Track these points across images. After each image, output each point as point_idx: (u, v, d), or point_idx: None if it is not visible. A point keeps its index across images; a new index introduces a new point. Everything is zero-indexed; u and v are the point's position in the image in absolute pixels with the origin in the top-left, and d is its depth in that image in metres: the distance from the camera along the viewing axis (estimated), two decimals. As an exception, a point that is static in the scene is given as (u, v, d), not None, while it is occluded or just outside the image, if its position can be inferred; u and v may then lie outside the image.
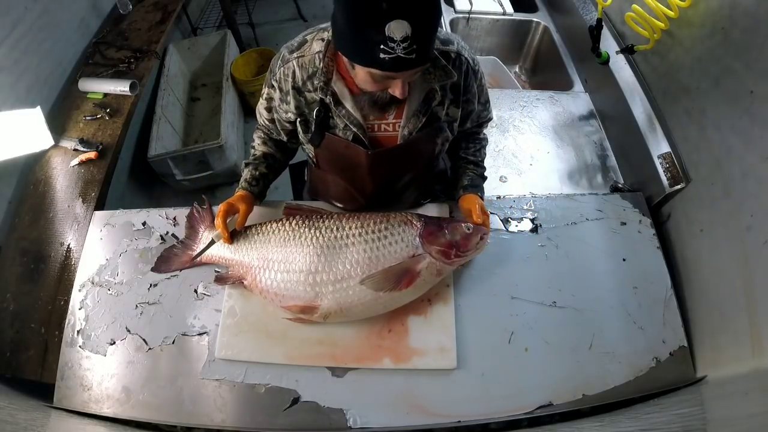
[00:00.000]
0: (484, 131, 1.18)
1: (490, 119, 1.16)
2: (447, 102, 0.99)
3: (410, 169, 1.10)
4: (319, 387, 0.97)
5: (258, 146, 1.15)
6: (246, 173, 1.12)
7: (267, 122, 1.09)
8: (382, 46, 0.70)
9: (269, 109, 1.05)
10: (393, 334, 1.00)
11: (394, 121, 0.98)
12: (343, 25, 0.75)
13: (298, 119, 1.00)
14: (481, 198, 1.10)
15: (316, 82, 0.93)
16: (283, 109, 1.00)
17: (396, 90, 0.82)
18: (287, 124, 1.04)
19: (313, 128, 0.99)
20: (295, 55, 0.94)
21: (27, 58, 1.55)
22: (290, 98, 0.97)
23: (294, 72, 0.94)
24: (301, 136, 1.04)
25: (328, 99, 0.93)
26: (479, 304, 1.05)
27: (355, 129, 0.95)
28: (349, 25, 0.73)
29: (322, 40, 0.92)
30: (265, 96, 1.04)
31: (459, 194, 1.11)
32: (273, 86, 0.99)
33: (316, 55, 0.92)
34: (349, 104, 0.94)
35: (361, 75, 0.81)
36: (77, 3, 1.90)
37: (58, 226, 1.31)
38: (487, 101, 1.11)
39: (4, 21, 1.46)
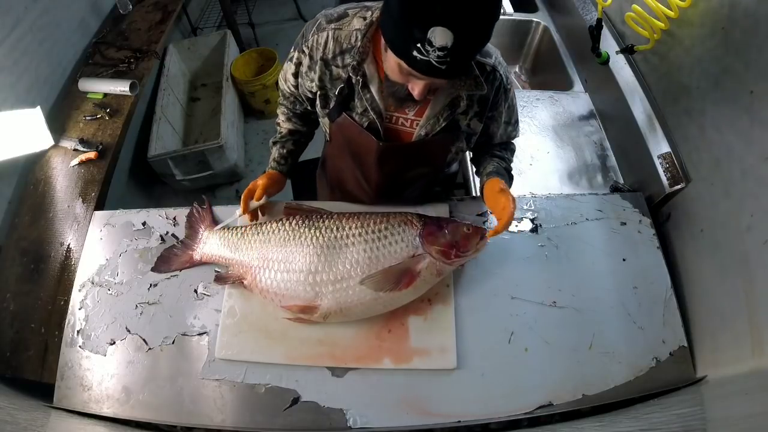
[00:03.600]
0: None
1: (516, 136, 1.15)
2: (471, 113, 0.98)
3: (419, 168, 1.09)
4: (319, 387, 0.97)
5: (283, 123, 1.16)
6: (274, 152, 1.15)
7: (292, 88, 1.07)
8: (419, 45, 0.70)
9: (296, 75, 1.02)
10: (393, 334, 1.00)
11: (413, 118, 0.97)
12: (394, 8, 0.72)
13: (319, 92, 0.99)
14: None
15: (347, 59, 0.91)
16: (309, 77, 0.99)
17: (415, 89, 0.81)
18: (309, 93, 1.03)
19: (332, 104, 0.98)
20: (332, 26, 0.92)
21: (27, 58, 1.55)
22: (317, 68, 0.95)
23: (327, 42, 0.93)
24: (318, 109, 1.03)
25: (357, 79, 0.92)
26: (479, 304, 1.05)
27: (373, 115, 0.94)
28: (400, 11, 0.71)
29: (364, 18, 0.90)
30: (294, 60, 1.00)
31: (483, 180, 1.07)
32: (304, 52, 0.97)
33: (355, 32, 0.90)
34: (375, 89, 0.93)
35: (391, 62, 0.80)
36: (77, 3, 1.90)
37: (58, 226, 1.31)
38: (517, 121, 1.10)
39: (4, 21, 1.46)
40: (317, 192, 1.43)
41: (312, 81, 0.99)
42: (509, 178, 1.10)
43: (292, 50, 1.01)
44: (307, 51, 0.96)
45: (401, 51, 0.74)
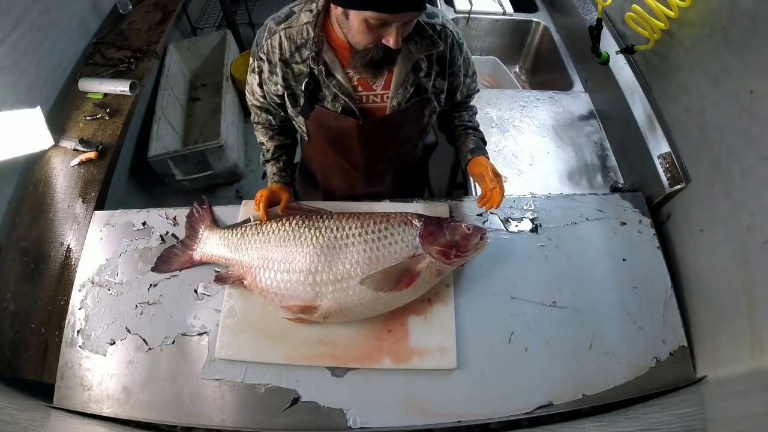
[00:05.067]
0: (472, 102, 1.21)
1: (478, 90, 1.18)
2: (434, 74, 1.00)
3: (400, 139, 1.11)
4: (319, 387, 0.97)
5: (267, 142, 1.18)
6: (271, 168, 1.18)
7: (261, 99, 1.08)
8: None
9: (261, 84, 1.04)
10: (393, 334, 1.00)
11: (382, 92, 0.99)
12: None
13: (286, 92, 1.00)
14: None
15: (306, 52, 0.93)
16: (273, 81, 1.00)
17: (390, 38, 0.80)
18: (276, 98, 1.04)
19: (302, 101, 0.99)
20: (282, 26, 0.94)
21: (27, 58, 1.55)
22: (278, 70, 0.97)
23: (281, 43, 0.94)
24: (290, 110, 1.04)
25: (320, 69, 0.93)
26: (479, 304, 1.05)
27: (345, 99, 0.96)
28: None
29: (311, 11, 0.92)
30: (256, 69, 1.02)
31: (467, 158, 1.11)
32: (261, 58, 0.99)
33: (305, 26, 0.92)
34: (339, 74, 0.94)
35: (356, 25, 0.80)
36: (77, 3, 1.90)
37: (58, 226, 1.31)
38: (474, 73, 1.13)
39: (4, 21, 1.46)
40: (300, 195, 1.43)
41: (276, 84, 1.00)
42: (485, 144, 1.16)
43: (251, 61, 1.03)
44: (264, 57, 0.98)
45: (368, 0, 0.75)
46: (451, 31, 0.99)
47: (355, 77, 0.97)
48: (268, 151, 1.18)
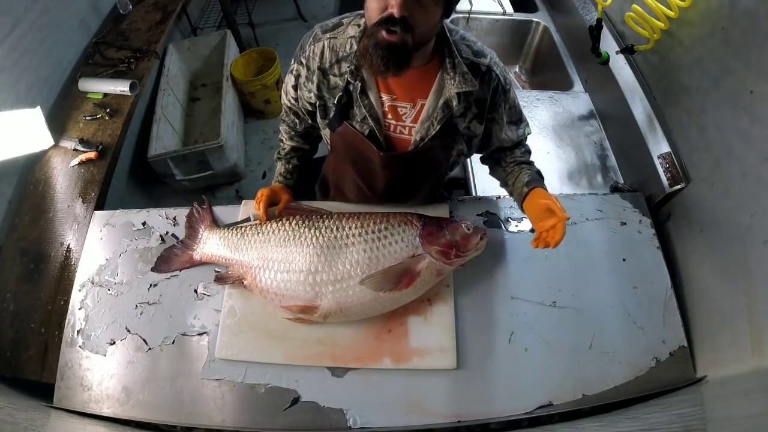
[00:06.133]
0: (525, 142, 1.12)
1: (529, 133, 1.10)
2: (470, 115, 0.96)
3: (423, 174, 1.08)
4: (319, 387, 0.97)
5: (286, 141, 1.18)
6: (280, 167, 1.19)
7: (293, 101, 1.07)
8: None
9: (296, 87, 1.03)
10: (393, 334, 1.00)
11: (410, 125, 0.97)
12: None
13: (318, 102, 0.99)
14: None
15: (345, 66, 0.92)
16: (307, 88, 1.00)
17: (394, 4, 0.75)
18: (308, 104, 1.03)
19: (332, 114, 0.98)
20: (327, 35, 0.94)
21: (27, 58, 1.55)
22: (314, 78, 0.96)
23: (323, 52, 0.94)
24: (319, 120, 1.04)
25: (356, 84, 0.92)
26: (479, 304, 1.05)
27: (372, 123, 0.95)
28: None
29: (358, 26, 0.91)
30: (294, 72, 1.02)
31: (523, 192, 1.02)
32: (302, 63, 0.98)
33: (350, 40, 0.92)
34: (372, 95, 0.93)
35: None
36: (77, 3, 1.90)
37: (58, 226, 1.31)
38: (521, 120, 1.07)
39: (4, 21, 1.46)
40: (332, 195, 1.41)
41: (310, 92, 0.99)
42: (541, 179, 1.06)
43: (292, 63, 1.02)
44: (304, 62, 0.97)
45: None
46: (497, 74, 0.94)
47: (387, 104, 0.95)
48: (283, 149, 1.19)
